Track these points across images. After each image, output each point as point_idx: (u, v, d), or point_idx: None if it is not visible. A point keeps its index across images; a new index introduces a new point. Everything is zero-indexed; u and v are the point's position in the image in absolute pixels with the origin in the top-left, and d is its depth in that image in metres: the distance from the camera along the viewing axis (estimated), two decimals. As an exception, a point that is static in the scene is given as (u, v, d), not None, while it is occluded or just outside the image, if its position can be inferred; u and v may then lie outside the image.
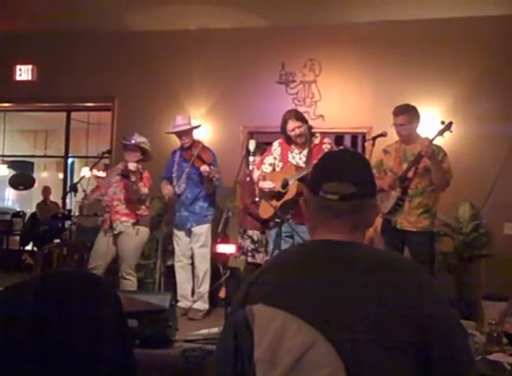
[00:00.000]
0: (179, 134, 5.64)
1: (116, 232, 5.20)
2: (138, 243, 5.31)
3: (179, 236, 5.72)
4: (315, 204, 1.44)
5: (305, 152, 4.64)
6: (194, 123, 5.88)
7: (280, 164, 4.74)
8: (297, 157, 4.68)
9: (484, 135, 6.13)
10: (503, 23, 6.23)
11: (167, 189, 5.65)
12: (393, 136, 4.75)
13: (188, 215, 5.61)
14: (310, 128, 4.74)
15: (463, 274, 5.88)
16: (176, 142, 5.96)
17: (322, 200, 1.40)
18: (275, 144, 4.83)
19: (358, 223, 1.43)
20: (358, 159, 1.50)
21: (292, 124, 4.64)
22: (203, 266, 5.61)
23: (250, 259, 5.53)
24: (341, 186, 1.38)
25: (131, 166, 5.07)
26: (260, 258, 5.50)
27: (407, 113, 4.55)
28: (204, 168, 5.34)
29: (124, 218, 5.21)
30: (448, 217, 5.83)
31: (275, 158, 4.78)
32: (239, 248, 5.53)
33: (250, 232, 5.59)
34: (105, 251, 5.20)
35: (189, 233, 5.67)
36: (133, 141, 5.28)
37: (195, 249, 5.64)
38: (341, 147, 4.55)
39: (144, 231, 5.31)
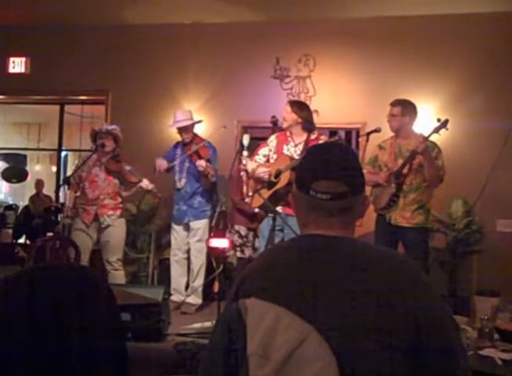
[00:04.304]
0: (179, 129, 5.63)
1: (103, 225, 5.23)
2: (124, 233, 5.42)
3: (177, 230, 5.71)
4: (304, 202, 1.41)
5: (301, 146, 4.65)
6: (196, 118, 5.82)
7: (275, 156, 4.76)
8: (292, 149, 4.69)
9: (477, 131, 6.14)
10: (499, 20, 6.23)
11: (161, 162, 5.54)
12: (387, 132, 4.76)
13: (186, 209, 5.60)
14: (308, 123, 4.72)
15: (456, 270, 5.90)
16: (171, 136, 5.96)
17: (313, 200, 1.38)
18: (272, 136, 4.86)
19: (350, 220, 1.42)
20: (346, 153, 1.46)
21: (285, 108, 4.75)
22: (199, 261, 5.61)
23: (239, 254, 5.56)
24: (332, 185, 1.36)
25: (149, 187, 5.24)
26: (248, 252, 5.53)
27: (401, 105, 4.61)
28: (200, 163, 5.33)
29: (110, 212, 5.26)
30: (441, 213, 5.84)
31: (270, 150, 4.81)
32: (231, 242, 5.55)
33: (236, 227, 5.61)
34: (88, 243, 5.26)
35: (187, 227, 5.67)
36: (104, 129, 5.34)
37: (192, 243, 5.65)
38: (336, 137, 4.53)
39: (125, 222, 5.44)
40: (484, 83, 6.26)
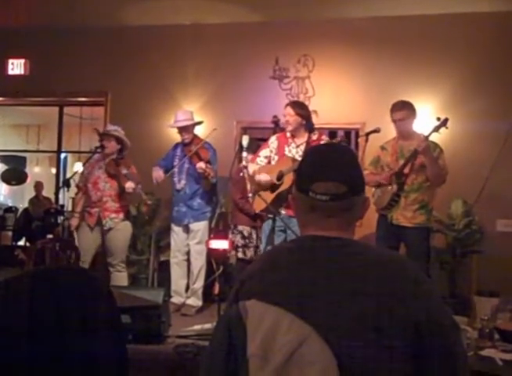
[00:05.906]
0: (179, 129, 5.62)
1: (106, 228, 5.21)
2: (128, 237, 5.40)
3: (177, 232, 5.68)
4: (304, 203, 1.41)
5: (302, 147, 4.64)
6: (197, 119, 5.81)
7: (276, 158, 4.74)
8: (294, 150, 4.68)
9: (477, 131, 6.14)
10: (499, 19, 6.23)
11: (157, 174, 5.51)
12: (386, 132, 4.77)
13: (186, 210, 5.57)
14: (309, 123, 4.72)
15: (456, 270, 5.90)
16: (171, 137, 5.95)
17: (312, 201, 1.38)
18: (273, 137, 4.84)
19: (350, 220, 1.42)
20: (345, 154, 1.46)
21: (286, 111, 4.71)
22: (199, 263, 5.59)
23: (240, 255, 5.52)
24: (332, 186, 1.36)
25: (130, 189, 5.11)
26: (250, 254, 5.50)
27: (406, 109, 4.59)
28: (200, 164, 5.31)
29: (113, 215, 5.24)
30: (441, 213, 5.84)
31: (271, 151, 4.79)
32: (232, 243, 5.52)
33: (240, 227, 5.57)
34: (92, 246, 5.25)
35: (186, 229, 5.64)
36: (102, 131, 5.35)
37: (191, 245, 5.62)
38: (338, 139, 4.52)
39: (130, 225, 5.42)
40: (484, 83, 6.26)
